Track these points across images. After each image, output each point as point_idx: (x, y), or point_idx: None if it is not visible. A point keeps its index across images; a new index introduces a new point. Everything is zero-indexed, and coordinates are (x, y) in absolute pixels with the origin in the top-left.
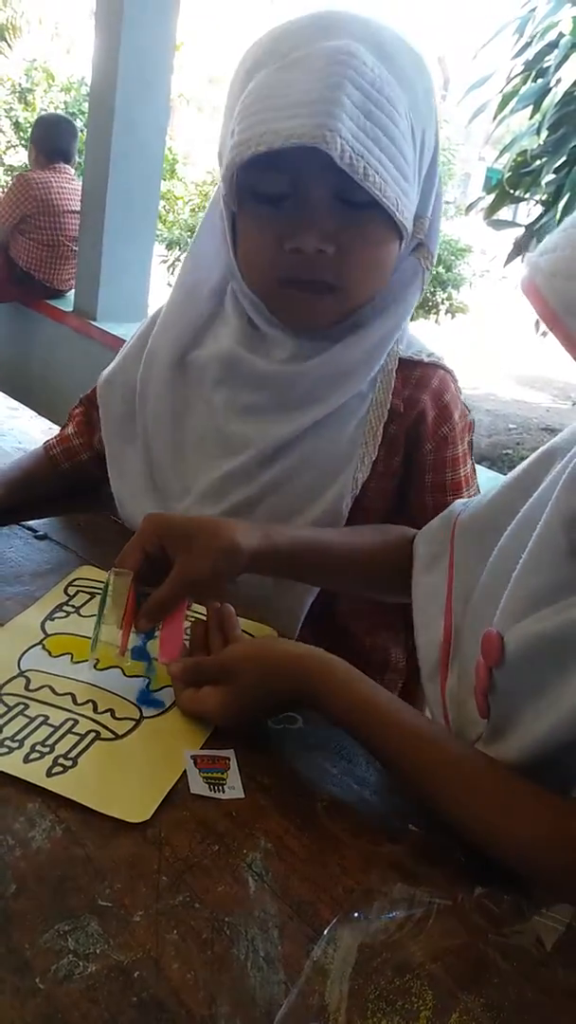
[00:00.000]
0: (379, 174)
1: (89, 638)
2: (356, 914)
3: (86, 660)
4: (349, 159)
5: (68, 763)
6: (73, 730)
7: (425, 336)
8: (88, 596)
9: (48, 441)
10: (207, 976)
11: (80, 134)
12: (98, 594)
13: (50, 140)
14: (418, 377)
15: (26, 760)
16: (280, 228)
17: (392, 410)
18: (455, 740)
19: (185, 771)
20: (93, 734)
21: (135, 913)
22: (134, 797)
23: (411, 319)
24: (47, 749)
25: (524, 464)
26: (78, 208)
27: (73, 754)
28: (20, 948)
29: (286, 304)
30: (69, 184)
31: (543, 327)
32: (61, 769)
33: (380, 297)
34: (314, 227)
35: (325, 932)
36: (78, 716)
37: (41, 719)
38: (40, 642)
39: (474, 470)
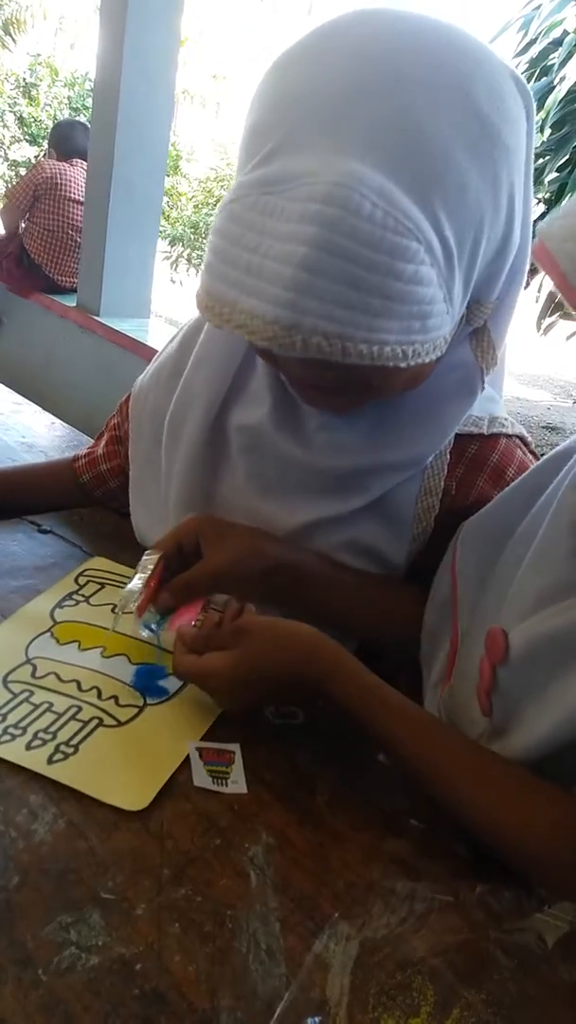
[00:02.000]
0: (368, 342)
1: (95, 626)
2: (358, 909)
3: (94, 648)
4: (318, 346)
5: (69, 750)
6: (76, 716)
7: None
8: (98, 586)
9: (78, 463)
10: (209, 969)
11: None
12: (108, 584)
13: (67, 141)
14: (474, 453)
15: (28, 747)
16: (269, 355)
17: (444, 491)
18: (462, 733)
19: (186, 760)
20: (96, 721)
21: (137, 906)
22: (133, 785)
23: None
24: (49, 736)
25: (535, 465)
26: (83, 199)
27: (75, 741)
28: (23, 940)
29: (302, 395)
30: (80, 177)
31: (544, 326)
32: (62, 756)
33: (422, 398)
34: (309, 366)
35: (327, 927)
36: (82, 703)
37: (46, 706)
38: (49, 629)
39: None
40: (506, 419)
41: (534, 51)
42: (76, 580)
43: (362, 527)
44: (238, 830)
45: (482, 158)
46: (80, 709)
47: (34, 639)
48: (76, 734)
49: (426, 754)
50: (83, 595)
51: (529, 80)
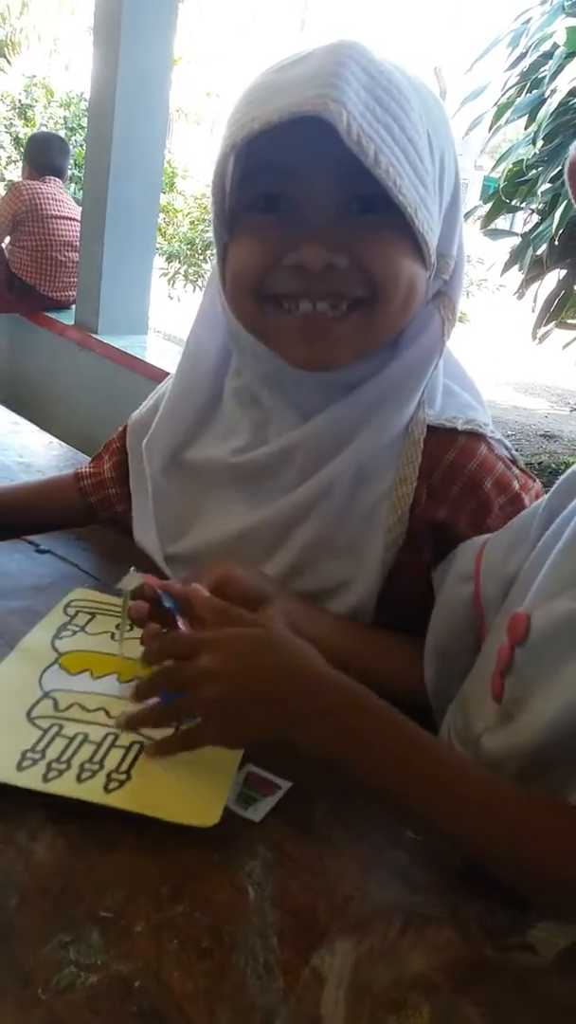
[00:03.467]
0: (393, 165)
1: (102, 654)
2: (355, 923)
3: (107, 675)
4: (357, 136)
5: (123, 776)
6: (116, 744)
7: None
8: (89, 616)
9: (83, 483)
10: (207, 985)
11: (79, 149)
12: (98, 613)
13: (41, 156)
14: (452, 460)
15: (79, 780)
16: (278, 237)
17: (416, 499)
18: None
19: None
20: (138, 746)
21: (136, 923)
22: (198, 801)
23: None
24: (97, 766)
25: (553, 488)
26: (66, 214)
27: (124, 767)
28: (22, 959)
29: (288, 336)
30: (58, 193)
31: (539, 335)
32: (117, 784)
33: (397, 367)
34: (320, 237)
35: (325, 941)
36: (117, 731)
37: (81, 737)
38: (55, 661)
39: None
40: (486, 424)
41: (524, 64)
42: (65, 611)
43: (341, 520)
44: (236, 845)
45: (432, 108)
46: (117, 736)
47: (44, 672)
48: (123, 760)
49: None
50: (77, 625)
51: (520, 93)
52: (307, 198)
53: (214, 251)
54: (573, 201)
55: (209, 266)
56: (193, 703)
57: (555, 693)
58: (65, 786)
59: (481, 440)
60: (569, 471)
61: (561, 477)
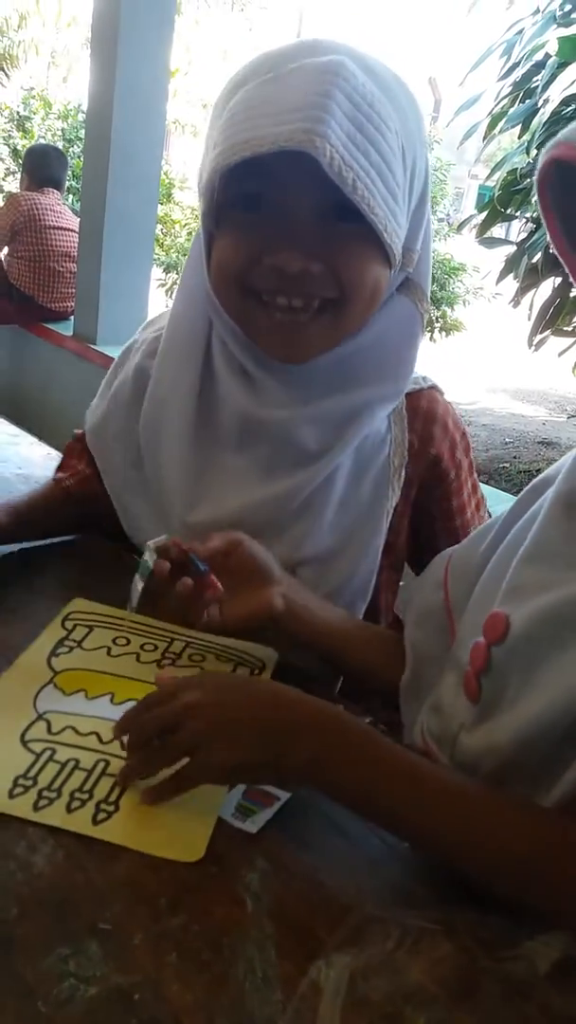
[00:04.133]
0: (368, 189)
1: (98, 672)
2: (351, 935)
3: (102, 695)
4: (338, 168)
5: (111, 808)
6: (107, 772)
7: (420, 353)
8: (87, 629)
9: (66, 484)
10: (206, 997)
11: (76, 160)
12: (96, 626)
13: (39, 168)
14: (427, 405)
15: (69, 810)
16: (260, 240)
17: (408, 446)
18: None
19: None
20: None
21: (135, 935)
22: (184, 835)
23: None
24: (86, 796)
25: (518, 498)
26: (64, 225)
27: (112, 798)
28: (22, 973)
29: (265, 331)
30: (56, 204)
31: (535, 342)
32: (105, 816)
33: (374, 347)
34: (298, 244)
35: (323, 954)
36: (108, 756)
37: (72, 763)
38: (51, 680)
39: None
40: (428, 375)
41: (517, 75)
42: (63, 625)
43: (351, 483)
44: (234, 857)
45: (410, 105)
46: (108, 763)
47: (39, 692)
48: (112, 790)
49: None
50: (74, 640)
51: (513, 103)
52: (288, 201)
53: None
54: (543, 219)
55: None
56: (181, 738)
57: (538, 690)
58: (55, 816)
59: (436, 391)
60: (536, 479)
61: (529, 484)
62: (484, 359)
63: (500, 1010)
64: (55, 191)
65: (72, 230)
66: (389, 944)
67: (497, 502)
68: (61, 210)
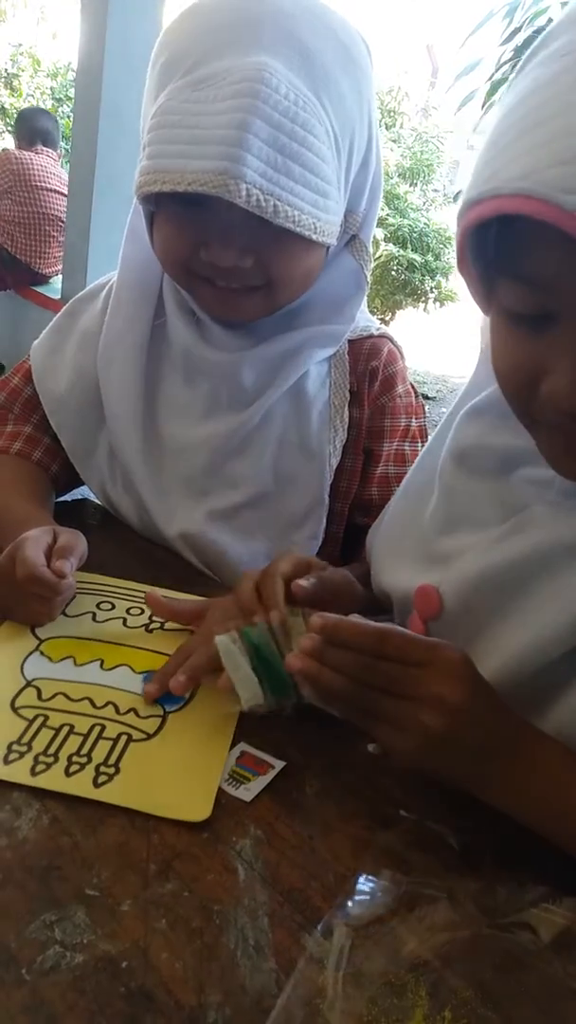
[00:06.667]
0: (292, 205)
1: (84, 639)
2: (349, 903)
3: (90, 662)
4: (256, 201)
5: (111, 770)
6: (103, 735)
7: (414, 323)
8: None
9: (13, 449)
10: (196, 965)
11: (66, 120)
12: (78, 593)
13: (29, 124)
14: (369, 348)
15: (68, 774)
16: (196, 234)
17: (352, 391)
18: None
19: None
20: (125, 736)
21: (123, 902)
22: (189, 796)
23: (400, 308)
24: (85, 759)
25: (422, 452)
26: (56, 187)
27: (112, 760)
28: (5, 939)
29: (208, 301)
30: (50, 165)
31: None
32: (106, 778)
33: (318, 299)
34: (231, 243)
35: (320, 924)
36: (104, 720)
37: (67, 728)
38: (37, 648)
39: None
40: (382, 327)
41: (519, 39)
42: None
43: (290, 423)
44: (225, 823)
45: (350, 77)
46: (104, 727)
47: (25, 660)
48: (111, 753)
49: None
50: None
51: (513, 69)
52: (220, 202)
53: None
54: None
55: None
56: (409, 717)
57: (483, 660)
58: (54, 780)
59: (387, 340)
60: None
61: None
62: (475, 329)
63: (502, 978)
64: (50, 150)
65: (65, 194)
66: (388, 912)
67: None
68: (56, 172)
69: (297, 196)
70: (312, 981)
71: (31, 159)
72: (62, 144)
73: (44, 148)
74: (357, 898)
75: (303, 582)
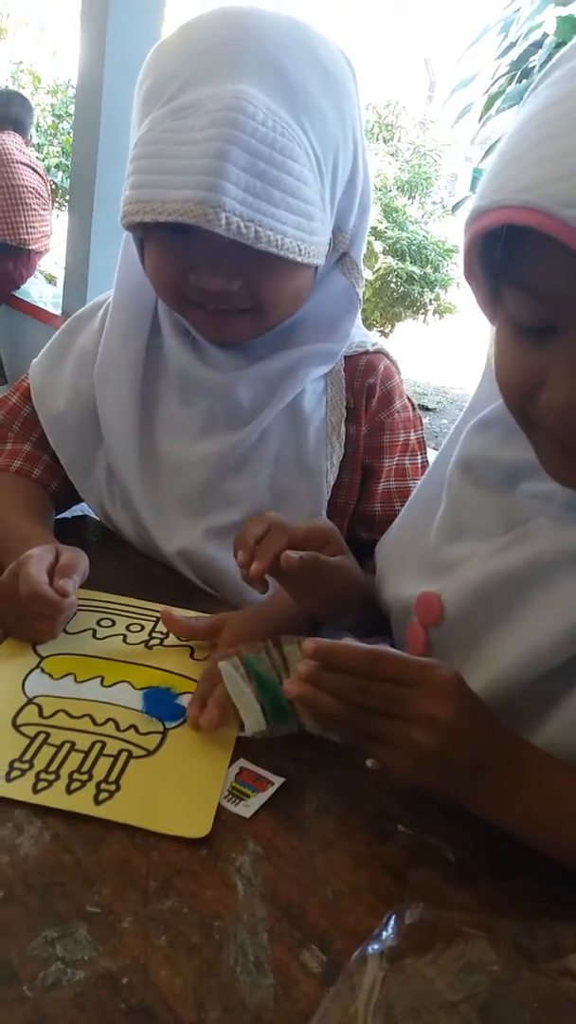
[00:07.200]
0: (274, 229)
1: (84, 656)
2: (384, 935)
3: (91, 679)
4: (237, 228)
5: (112, 787)
6: (104, 752)
7: (414, 335)
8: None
9: (12, 467)
10: (196, 981)
11: (67, 137)
12: (78, 610)
13: (3, 112)
14: (365, 364)
15: (69, 791)
16: (184, 259)
17: (348, 408)
18: None
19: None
20: (125, 753)
21: (124, 919)
22: (189, 813)
23: (399, 320)
24: (85, 776)
25: (428, 470)
26: (27, 162)
27: (113, 777)
28: (7, 956)
29: (200, 324)
30: (18, 142)
31: None
32: (107, 795)
33: (311, 318)
34: (218, 268)
35: (354, 953)
36: (104, 737)
37: (68, 746)
38: (38, 665)
39: (424, 465)
40: (377, 342)
41: (514, 54)
42: None
43: (287, 441)
44: (225, 840)
45: (331, 98)
46: (105, 744)
47: (26, 677)
48: (111, 769)
49: None
50: None
51: (510, 83)
52: (205, 237)
53: None
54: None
55: None
56: (402, 736)
57: (479, 669)
58: (55, 797)
59: (383, 356)
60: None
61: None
62: (476, 343)
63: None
64: (17, 135)
65: (37, 170)
66: (425, 946)
67: None
68: (27, 152)
69: (279, 220)
70: (342, 1012)
71: (2, 137)
72: (62, 160)
73: (14, 133)
74: (392, 930)
75: (293, 555)
